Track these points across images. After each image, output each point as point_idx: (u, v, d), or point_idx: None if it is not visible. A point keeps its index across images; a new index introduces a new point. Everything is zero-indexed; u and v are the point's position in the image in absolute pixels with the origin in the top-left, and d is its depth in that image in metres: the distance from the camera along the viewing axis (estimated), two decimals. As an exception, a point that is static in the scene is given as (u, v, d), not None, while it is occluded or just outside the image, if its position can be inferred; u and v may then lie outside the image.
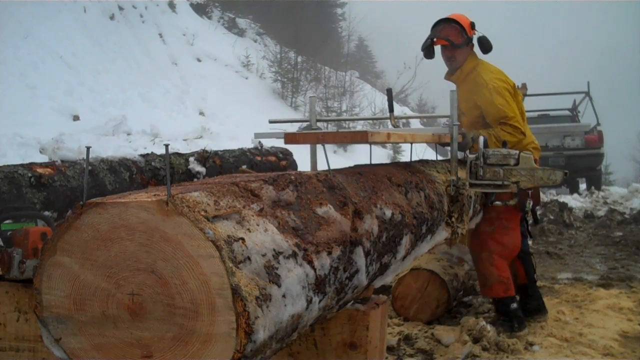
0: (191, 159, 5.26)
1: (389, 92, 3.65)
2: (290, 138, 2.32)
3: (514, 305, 3.91)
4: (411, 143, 3.15)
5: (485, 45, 4.00)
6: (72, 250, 1.36)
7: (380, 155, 14.97)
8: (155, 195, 1.38)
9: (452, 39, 3.91)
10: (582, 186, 14.34)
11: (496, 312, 4.05)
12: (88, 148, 1.52)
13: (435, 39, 3.97)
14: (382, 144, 2.84)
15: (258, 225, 1.48)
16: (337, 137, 2.40)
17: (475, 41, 4.02)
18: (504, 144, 3.57)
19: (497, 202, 3.97)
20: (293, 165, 6.57)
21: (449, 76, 4.15)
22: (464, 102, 4.00)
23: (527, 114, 4.36)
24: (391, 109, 3.50)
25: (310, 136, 2.37)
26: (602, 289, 4.99)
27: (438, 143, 3.67)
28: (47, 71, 9.78)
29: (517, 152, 3.22)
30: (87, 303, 1.36)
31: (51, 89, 9.32)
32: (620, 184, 18.03)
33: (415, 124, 13.87)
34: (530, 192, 3.86)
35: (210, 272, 1.27)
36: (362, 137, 2.30)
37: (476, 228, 3.94)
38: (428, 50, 4.02)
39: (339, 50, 24.25)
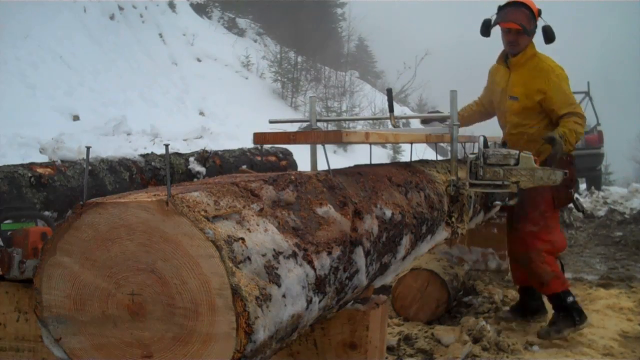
0: (191, 159, 5.26)
1: (389, 92, 3.65)
2: (259, 138, 2.24)
3: (571, 298, 3.86)
4: (394, 143, 3.13)
5: (549, 35, 3.84)
6: (72, 250, 1.36)
7: (380, 155, 14.96)
8: (155, 195, 1.38)
9: (525, 25, 3.76)
10: (582, 186, 14.33)
11: (555, 310, 3.91)
12: (88, 148, 1.52)
13: (502, 22, 3.81)
14: (358, 143, 2.78)
15: (258, 225, 1.48)
16: (310, 136, 2.32)
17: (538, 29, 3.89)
18: (504, 144, 3.56)
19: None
20: (293, 165, 6.57)
21: (505, 57, 4.00)
22: (519, 86, 3.88)
23: None
24: (391, 109, 3.49)
25: (280, 136, 2.28)
26: (602, 289, 4.99)
27: (427, 142, 3.61)
28: (47, 71, 9.78)
29: (517, 152, 3.22)
30: (87, 303, 1.36)
31: (51, 89, 9.32)
32: (620, 184, 18.02)
33: (415, 124, 13.85)
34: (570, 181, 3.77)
35: (210, 272, 1.27)
36: (336, 137, 2.25)
37: (514, 230, 3.88)
38: (487, 31, 3.90)
39: (339, 50, 24.26)
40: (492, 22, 3.86)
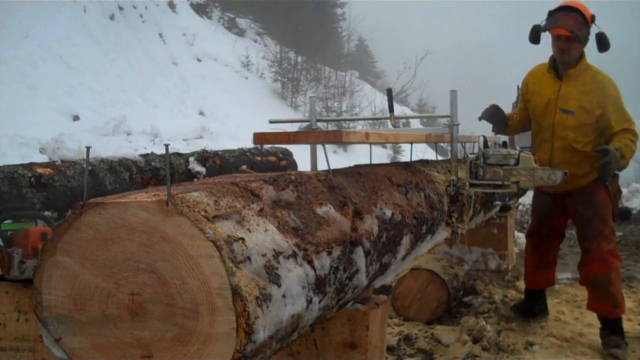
0: (191, 159, 5.26)
1: (389, 92, 3.65)
2: (259, 138, 2.25)
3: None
4: (394, 143, 3.12)
5: (604, 43, 3.56)
6: (72, 250, 1.36)
7: (380, 155, 14.96)
8: (155, 195, 1.38)
9: (577, 31, 3.48)
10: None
11: (614, 332, 3.68)
12: (88, 148, 1.52)
13: (552, 28, 3.56)
14: (358, 143, 2.79)
15: (258, 225, 1.48)
16: (310, 136, 2.32)
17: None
18: (504, 144, 3.55)
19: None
20: (293, 165, 6.57)
21: (554, 65, 3.72)
22: (574, 99, 3.62)
23: None
24: (391, 109, 3.49)
25: (281, 136, 2.28)
26: (602, 289, 4.99)
27: (427, 142, 3.52)
28: (47, 71, 9.78)
29: (517, 152, 3.23)
30: (87, 303, 1.36)
31: (51, 89, 9.32)
32: (620, 184, 17.99)
33: (415, 124, 13.87)
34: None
35: (210, 272, 1.27)
36: (336, 137, 2.25)
37: (588, 251, 3.69)
38: (536, 37, 3.67)
39: (339, 50, 24.27)
40: (542, 27, 3.62)
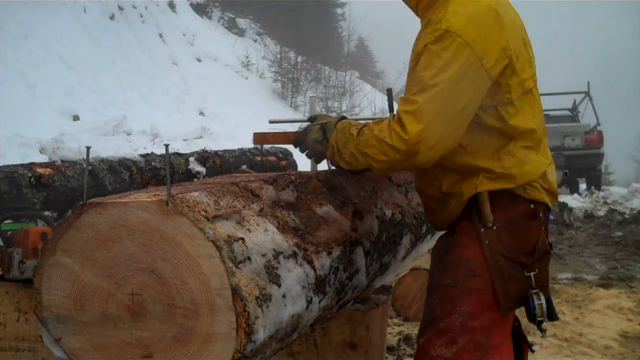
0: (191, 159, 5.26)
1: (389, 92, 3.63)
2: (259, 138, 2.27)
3: None
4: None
5: None
6: (72, 250, 1.36)
7: (380, 155, 14.93)
8: (155, 195, 1.38)
9: None
10: (582, 186, 14.33)
11: None
12: (88, 148, 1.52)
13: None
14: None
15: (258, 225, 1.48)
16: None
17: None
18: None
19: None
20: (293, 165, 6.58)
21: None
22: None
23: None
24: (391, 109, 3.48)
25: (280, 136, 2.29)
26: (602, 289, 4.99)
27: None
28: (47, 71, 9.79)
29: (517, 152, 3.22)
30: (87, 303, 1.36)
31: (51, 89, 9.33)
32: (620, 184, 18.00)
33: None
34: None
35: (210, 272, 1.27)
36: None
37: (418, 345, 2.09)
38: None
39: (339, 50, 24.30)
40: None
